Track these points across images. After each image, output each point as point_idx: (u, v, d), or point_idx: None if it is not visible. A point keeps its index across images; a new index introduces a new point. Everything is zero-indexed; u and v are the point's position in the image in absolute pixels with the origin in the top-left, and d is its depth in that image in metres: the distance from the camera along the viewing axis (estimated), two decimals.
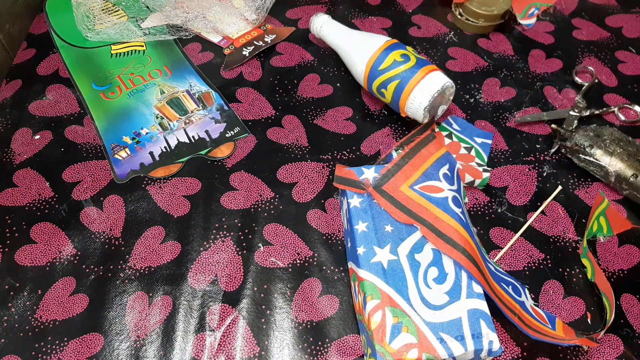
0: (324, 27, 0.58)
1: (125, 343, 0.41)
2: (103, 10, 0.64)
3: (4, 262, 0.44)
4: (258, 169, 0.51)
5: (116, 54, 0.61)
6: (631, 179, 0.47)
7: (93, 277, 0.44)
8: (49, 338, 0.41)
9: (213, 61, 0.60)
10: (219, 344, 0.41)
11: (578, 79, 0.59)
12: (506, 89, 0.59)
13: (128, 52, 0.61)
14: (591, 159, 0.49)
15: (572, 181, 0.51)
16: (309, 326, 0.42)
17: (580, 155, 0.50)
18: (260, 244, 0.46)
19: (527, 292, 0.43)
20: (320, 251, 0.46)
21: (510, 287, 0.41)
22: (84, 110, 0.55)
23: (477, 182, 0.48)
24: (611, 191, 0.50)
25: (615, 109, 0.56)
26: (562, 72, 0.60)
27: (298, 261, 0.45)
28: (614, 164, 0.48)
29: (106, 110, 0.55)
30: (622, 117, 0.55)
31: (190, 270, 0.44)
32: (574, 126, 0.53)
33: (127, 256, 0.45)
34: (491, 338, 0.35)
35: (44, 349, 0.40)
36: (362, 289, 0.37)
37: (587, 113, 0.55)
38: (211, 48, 0.62)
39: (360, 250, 0.39)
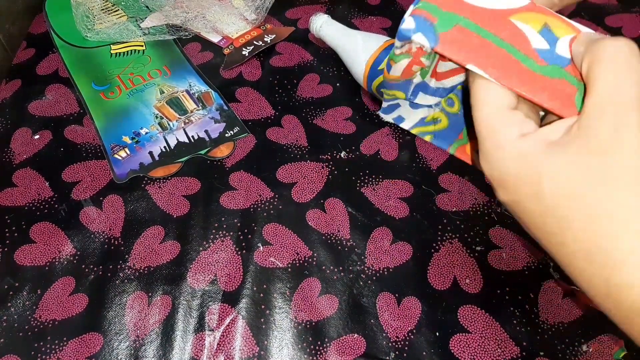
0: (324, 27, 0.58)
1: (124, 343, 0.41)
2: (102, 10, 0.64)
3: (3, 261, 0.44)
4: (257, 169, 0.51)
5: (116, 53, 0.61)
6: None
7: (92, 276, 0.44)
8: (49, 338, 0.41)
9: (213, 61, 0.60)
10: (218, 344, 0.41)
11: None
12: None
13: (127, 52, 0.61)
14: None
15: None
16: (308, 326, 0.42)
17: None
18: (259, 244, 0.46)
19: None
20: (319, 251, 0.46)
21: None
22: (83, 110, 0.55)
23: None
24: None
25: None
26: None
27: (297, 261, 0.45)
28: None
29: (106, 110, 0.55)
30: None
31: (189, 270, 0.44)
32: None
33: (126, 256, 0.45)
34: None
35: (43, 349, 0.40)
36: None
37: None
38: (211, 48, 0.62)
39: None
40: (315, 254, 0.46)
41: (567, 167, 0.21)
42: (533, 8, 0.25)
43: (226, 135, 0.53)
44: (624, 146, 0.20)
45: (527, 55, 0.24)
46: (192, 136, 0.53)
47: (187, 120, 0.55)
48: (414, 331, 0.42)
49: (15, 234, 0.46)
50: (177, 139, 0.53)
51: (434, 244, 0.46)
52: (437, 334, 0.42)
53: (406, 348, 0.41)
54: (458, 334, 0.42)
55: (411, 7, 0.25)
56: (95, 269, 0.44)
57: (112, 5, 0.65)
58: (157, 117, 0.55)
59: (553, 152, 0.22)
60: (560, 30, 0.25)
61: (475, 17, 0.25)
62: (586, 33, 0.24)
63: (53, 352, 0.40)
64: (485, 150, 0.24)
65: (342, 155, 0.52)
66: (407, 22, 0.25)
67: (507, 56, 0.24)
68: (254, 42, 0.62)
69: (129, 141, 0.53)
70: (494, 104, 0.24)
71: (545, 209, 0.22)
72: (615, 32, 0.65)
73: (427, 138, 0.32)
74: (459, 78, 0.29)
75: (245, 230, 0.47)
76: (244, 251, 0.46)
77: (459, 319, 0.42)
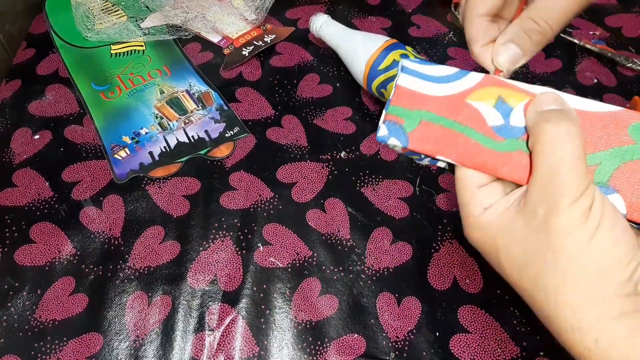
0: (324, 27, 0.58)
1: (124, 343, 0.41)
2: (102, 10, 0.64)
3: (3, 261, 0.44)
4: (257, 169, 0.51)
5: (116, 53, 0.61)
6: None
7: (92, 276, 0.44)
8: (49, 338, 0.41)
9: (213, 61, 0.60)
10: (218, 344, 0.41)
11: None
12: None
13: (127, 52, 0.61)
14: None
15: None
16: (308, 326, 0.42)
17: None
18: (259, 244, 0.46)
19: None
20: (319, 251, 0.46)
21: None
22: (83, 110, 0.55)
23: None
24: None
25: None
26: (561, 72, 0.60)
27: (297, 261, 0.45)
28: None
29: (106, 110, 0.55)
30: None
31: (189, 270, 0.44)
32: None
33: (126, 256, 0.45)
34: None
35: (43, 349, 0.40)
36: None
37: None
38: (211, 48, 0.62)
39: None
40: (315, 254, 0.46)
41: (516, 243, 0.25)
42: (487, 82, 0.27)
43: (226, 135, 0.53)
44: (554, 228, 0.23)
45: (485, 135, 0.27)
46: (192, 136, 0.53)
47: (187, 120, 0.55)
48: (414, 331, 0.42)
49: (15, 234, 0.46)
50: (177, 139, 0.53)
51: (434, 244, 0.46)
52: (437, 334, 0.42)
53: (406, 348, 0.41)
54: (458, 334, 0.42)
55: (384, 113, 0.29)
56: (95, 269, 0.44)
57: (112, 5, 0.65)
58: (157, 117, 0.55)
59: (506, 226, 0.25)
60: (513, 99, 0.27)
61: (436, 108, 0.28)
62: (537, 100, 0.26)
63: (53, 352, 0.40)
64: (462, 222, 0.28)
65: (342, 155, 0.52)
66: (382, 130, 0.29)
67: (467, 140, 0.27)
68: (254, 42, 0.62)
69: (129, 141, 0.53)
70: (464, 183, 0.27)
71: (505, 275, 0.26)
72: (615, 32, 0.65)
73: None
74: None
75: (245, 230, 0.47)
76: (244, 251, 0.46)
77: (459, 319, 0.42)
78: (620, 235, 0.23)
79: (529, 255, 0.24)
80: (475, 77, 0.28)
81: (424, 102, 0.28)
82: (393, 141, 0.29)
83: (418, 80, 0.29)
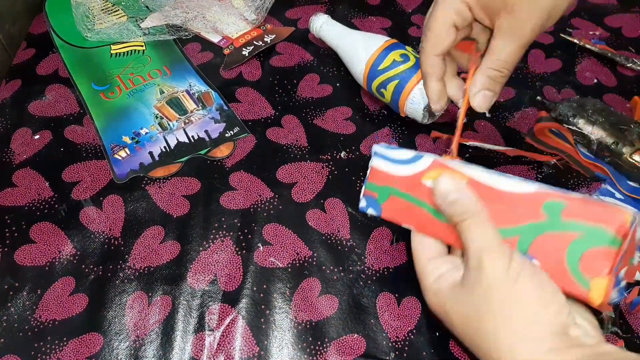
0: (324, 26, 0.58)
1: (124, 343, 0.41)
2: (102, 10, 0.64)
3: (3, 261, 0.44)
4: (257, 169, 0.51)
5: (116, 53, 0.61)
6: (612, 146, 0.49)
7: (92, 277, 0.44)
8: (49, 338, 0.41)
9: (213, 61, 0.60)
10: (218, 344, 0.41)
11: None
12: (505, 88, 0.59)
13: (127, 52, 0.61)
14: (574, 127, 0.51)
15: (571, 181, 0.51)
16: (308, 326, 0.42)
17: (564, 124, 0.51)
18: (259, 244, 0.46)
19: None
20: (319, 251, 0.46)
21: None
22: (83, 110, 0.55)
23: None
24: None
25: None
26: (561, 72, 0.60)
27: (297, 261, 0.45)
28: (595, 133, 0.50)
29: (106, 110, 0.55)
30: None
31: (189, 270, 0.44)
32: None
33: (126, 256, 0.45)
34: None
35: (43, 349, 0.40)
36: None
37: None
38: (211, 48, 0.62)
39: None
40: (315, 254, 0.46)
41: (460, 303, 0.29)
42: (435, 165, 0.33)
43: (226, 135, 0.53)
44: (484, 283, 0.27)
45: (435, 208, 0.32)
46: (192, 136, 0.53)
47: (187, 121, 0.55)
48: (414, 331, 0.42)
49: (15, 234, 0.46)
50: (177, 139, 0.53)
51: None
52: (437, 334, 0.42)
53: (406, 348, 0.41)
54: None
55: (363, 188, 0.36)
56: (95, 269, 0.44)
57: (112, 5, 0.65)
58: (157, 117, 0.55)
59: (453, 292, 0.29)
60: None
61: (400, 185, 0.34)
62: (436, 192, 0.31)
63: (53, 352, 0.40)
64: (421, 289, 0.32)
65: (342, 155, 0.52)
66: (362, 202, 0.36)
67: (423, 212, 0.33)
68: (254, 42, 0.62)
69: (129, 141, 0.53)
70: (416, 255, 0.33)
71: (457, 334, 0.30)
72: (615, 32, 0.65)
73: None
74: None
75: (245, 230, 0.47)
76: (244, 251, 0.46)
77: None
78: (542, 281, 0.27)
79: (471, 309, 0.28)
80: (427, 160, 0.33)
81: (391, 180, 0.34)
82: (371, 211, 0.36)
83: (386, 162, 0.35)
